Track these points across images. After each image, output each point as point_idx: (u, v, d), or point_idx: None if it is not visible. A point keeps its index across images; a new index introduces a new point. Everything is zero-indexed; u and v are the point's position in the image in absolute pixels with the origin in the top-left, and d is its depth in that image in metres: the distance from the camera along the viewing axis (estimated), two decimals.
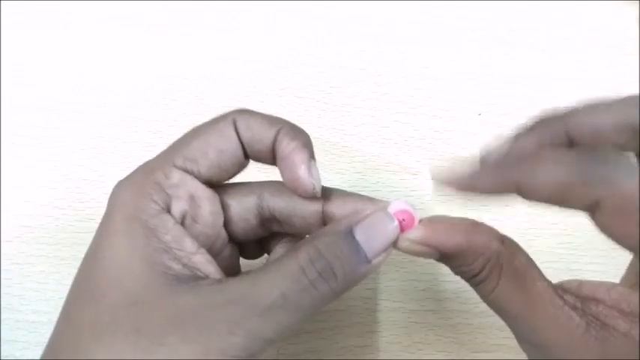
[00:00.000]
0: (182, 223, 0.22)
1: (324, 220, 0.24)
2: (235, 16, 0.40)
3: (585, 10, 0.40)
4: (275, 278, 0.20)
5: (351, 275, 0.21)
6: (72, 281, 0.22)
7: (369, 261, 0.21)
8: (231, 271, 0.25)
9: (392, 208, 0.22)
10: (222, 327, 0.19)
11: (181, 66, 0.38)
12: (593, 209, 0.19)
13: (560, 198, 0.19)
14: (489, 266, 0.21)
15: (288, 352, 0.32)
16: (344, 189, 0.25)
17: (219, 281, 0.21)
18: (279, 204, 0.24)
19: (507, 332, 0.32)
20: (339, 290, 0.21)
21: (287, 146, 0.22)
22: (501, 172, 0.20)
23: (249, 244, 0.27)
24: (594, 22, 0.40)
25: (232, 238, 0.25)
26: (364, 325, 0.33)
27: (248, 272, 0.21)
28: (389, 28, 0.39)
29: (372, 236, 0.21)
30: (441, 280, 0.33)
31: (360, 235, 0.21)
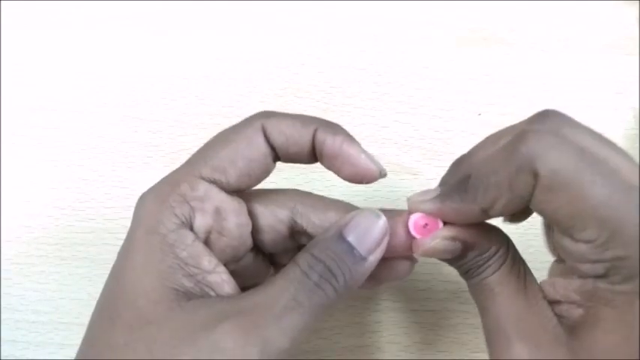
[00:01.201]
0: (207, 238, 0.22)
1: None
2: (235, 16, 0.40)
3: (585, 10, 0.40)
4: (283, 285, 0.20)
5: (351, 274, 0.21)
6: (100, 294, 0.22)
7: (364, 258, 0.21)
8: (258, 280, 0.25)
9: (413, 218, 0.23)
10: (237, 339, 0.18)
11: (181, 66, 0.38)
12: (533, 187, 0.19)
13: (515, 201, 0.20)
14: (502, 250, 0.22)
15: None
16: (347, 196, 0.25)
17: (229, 295, 0.21)
18: (312, 220, 0.24)
19: None
20: (343, 289, 0.21)
21: (334, 143, 0.22)
22: (463, 201, 0.21)
23: (281, 257, 0.27)
24: (594, 22, 0.40)
25: (261, 248, 0.25)
26: (364, 325, 0.33)
27: (255, 288, 0.21)
28: (389, 28, 0.39)
29: (362, 234, 0.22)
30: (441, 280, 0.33)
31: (349, 235, 0.22)
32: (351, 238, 0.21)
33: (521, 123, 0.22)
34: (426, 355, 0.32)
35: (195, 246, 0.21)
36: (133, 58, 0.38)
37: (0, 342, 0.32)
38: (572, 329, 0.20)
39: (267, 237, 0.24)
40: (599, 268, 0.19)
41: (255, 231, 0.24)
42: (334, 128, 0.23)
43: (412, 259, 0.25)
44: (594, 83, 0.38)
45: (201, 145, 0.23)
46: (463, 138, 0.36)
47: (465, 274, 0.23)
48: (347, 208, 0.24)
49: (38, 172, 0.36)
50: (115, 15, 0.39)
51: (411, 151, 0.36)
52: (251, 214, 0.24)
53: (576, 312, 0.20)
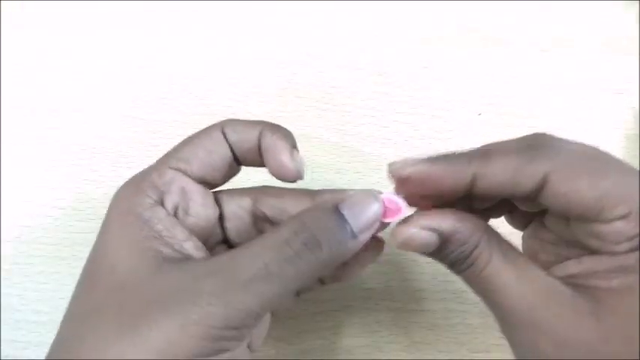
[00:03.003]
0: (175, 215, 0.23)
1: None
2: (235, 16, 0.40)
3: (585, 10, 0.40)
4: (257, 251, 0.20)
5: (337, 248, 0.21)
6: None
7: (355, 236, 0.21)
8: None
9: (382, 196, 0.23)
10: (202, 299, 0.19)
11: (181, 66, 0.38)
12: (541, 185, 0.20)
13: (512, 182, 0.20)
14: (483, 242, 0.21)
15: (288, 352, 0.32)
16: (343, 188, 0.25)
17: (205, 258, 0.22)
18: (271, 203, 0.25)
19: None
20: (325, 261, 0.21)
21: (270, 139, 0.24)
22: (456, 163, 0.21)
23: None
24: (594, 22, 0.40)
25: (230, 241, 0.26)
26: (364, 325, 0.33)
27: (233, 249, 0.21)
28: (389, 28, 0.39)
29: (358, 212, 0.22)
30: (441, 280, 0.33)
31: (346, 210, 0.22)
32: (346, 213, 0.21)
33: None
34: (426, 355, 0.32)
35: (169, 219, 0.22)
36: (133, 58, 0.38)
37: (0, 342, 0.32)
38: (598, 297, 0.20)
39: (232, 224, 0.26)
40: (636, 243, 0.19)
41: (221, 219, 0.25)
42: (277, 128, 0.24)
43: (380, 241, 0.25)
44: (594, 83, 0.38)
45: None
46: (463, 138, 0.36)
47: (452, 267, 0.22)
48: (305, 193, 0.25)
49: (38, 172, 0.36)
50: (115, 15, 0.39)
51: (411, 151, 0.36)
52: (217, 204, 0.25)
53: (603, 282, 0.20)
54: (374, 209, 0.22)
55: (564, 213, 0.21)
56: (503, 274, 0.21)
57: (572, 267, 0.21)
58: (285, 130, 0.25)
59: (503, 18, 0.40)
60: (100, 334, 0.19)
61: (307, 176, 0.35)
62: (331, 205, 0.22)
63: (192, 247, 0.22)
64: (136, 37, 0.39)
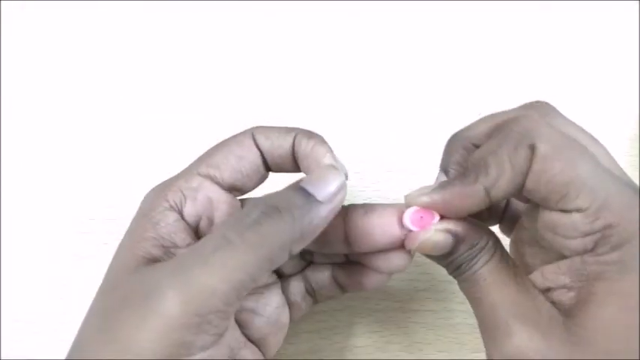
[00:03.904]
0: (197, 224, 0.23)
1: (346, 240, 0.24)
2: (235, 16, 0.40)
3: (585, 10, 0.40)
4: (217, 229, 0.21)
5: (299, 212, 0.20)
6: None
7: (319, 201, 0.21)
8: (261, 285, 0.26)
9: (409, 211, 0.23)
10: (166, 287, 0.18)
11: (182, 66, 0.38)
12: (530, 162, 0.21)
13: (515, 174, 0.21)
14: (491, 242, 0.22)
15: (288, 352, 0.32)
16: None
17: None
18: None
19: None
20: (288, 226, 0.20)
21: (307, 145, 0.24)
22: (466, 183, 0.22)
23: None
24: (594, 22, 0.40)
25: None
26: (364, 325, 0.33)
27: None
28: (389, 28, 0.39)
29: (317, 181, 0.22)
30: (441, 280, 0.33)
31: (306, 184, 0.21)
32: (305, 185, 0.21)
33: (513, 109, 0.24)
34: (426, 355, 0.32)
35: (176, 225, 0.22)
36: (133, 58, 0.38)
37: (0, 342, 0.32)
38: (567, 312, 0.20)
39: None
40: (589, 242, 0.19)
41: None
42: (312, 134, 0.25)
43: (408, 251, 0.25)
44: (594, 83, 0.38)
45: (201, 143, 0.25)
46: None
47: (457, 270, 0.23)
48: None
49: (38, 172, 0.36)
50: (115, 15, 0.39)
51: (411, 151, 0.36)
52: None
53: (568, 295, 0.20)
54: (335, 177, 0.22)
55: (533, 194, 0.21)
56: (504, 269, 0.22)
57: (551, 275, 0.21)
58: (319, 136, 0.25)
59: (503, 18, 0.40)
60: (83, 335, 0.20)
61: None
62: (294, 184, 0.22)
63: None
64: (136, 37, 0.39)
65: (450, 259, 0.23)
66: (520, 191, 0.21)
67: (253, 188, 0.25)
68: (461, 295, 0.33)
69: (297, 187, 0.21)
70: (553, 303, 0.21)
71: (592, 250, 0.19)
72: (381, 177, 0.36)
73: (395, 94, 0.38)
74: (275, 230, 0.20)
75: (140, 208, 0.23)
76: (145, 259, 0.21)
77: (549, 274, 0.21)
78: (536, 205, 0.22)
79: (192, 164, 0.24)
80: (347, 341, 0.33)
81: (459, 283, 0.23)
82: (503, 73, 0.38)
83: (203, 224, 0.24)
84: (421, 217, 0.23)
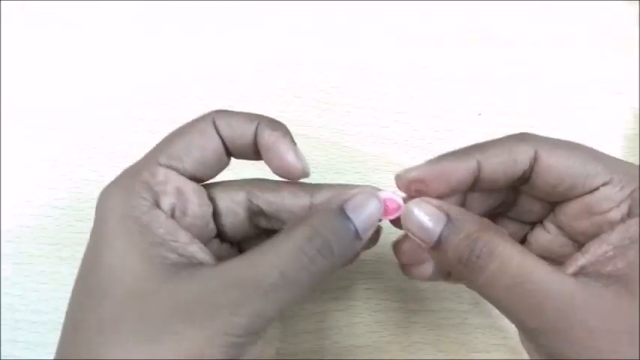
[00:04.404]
0: (172, 216, 0.23)
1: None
2: (235, 16, 0.40)
3: (585, 10, 0.40)
4: (273, 259, 0.20)
5: (346, 251, 0.22)
6: (72, 288, 0.22)
7: (360, 238, 0.22)
8: None
9: (380, 195, 0.23)
10: (225, 310, 0.19)
11: (181, 66, 0.38)
12: (533, 163, 0.22)
13: (510, 161, 0.22)
14: (490, 233, 0.22)
15: (288, 352, 0.32)
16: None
17: (216, 265, 0.21)
18: (267, 198, 0.25)
19: (507, 332, 0.32)
20: (336, 266, 0.21)
21: (269, 137, 0.24)
22: (458, 156, 0.23)
23: (246, 244, 0.27)
24: (594, 22, 0.40)
25: (224, 234, 0.26)
26: (364, 325, 0.33)
27: (243, 254, 0.21)
28: (389, 28, 0.39)
29: (362, 213, 0.22)
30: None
31: (350, 212, 0.22)
32: (352, 216, 0.22)
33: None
34: (426, 355, 0.32)
35: (169, 223, 0.22)
36: (134, 58, 0.38)
37: (0, 342, 0.32)
38: (619, 280, 0.20)
39: (227, 220, 0.25)
40: (624, 208, 0.21)
41: (215, 215, 0.25)
42: (275, 125, 0.24)
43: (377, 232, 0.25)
44: (594, 83, 0.38)
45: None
46: (463, 138, 0.36)
47: (461, 263, 0.22)
48: (302, 188, 0.25)
49: (38, 172, 0.36)
50: (115, 15, 0.39)
51: (411, 151, 0.36)
52: (210, 199, 0.25)
53: (619, 262, 0.20)
54: (376, 209, 0.23)
55: (555, 187, 0.22)
56: (531, 268, 0.20)
57: (580, 259, 0.21)
58: (283, 126, 0.24)
59: (503, 18, 0.40)
60: (122, 347, 0.19)
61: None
62: (337, 207, 0.22)
63: (197, 250, 0.22)
64: (136, 37, 0.39)
65: (447, 253, 0.22)
66: (509, 184, 0.23)
67: (214, 176, 0.25)
68: (461, 295, 0.33)
69: (345, 217, 0.22)
70: (592, 277, 0.20)
71: (630, 214, 0.21)
72: (381, 177, 0.36)
73: (395, 94, 0.38)
74: (326, 271, 0.21)
75: (111, 209, 0.22)
76: (166, 265, 0.21)
77: (582, 259, 0.21)
78: (556, 207, 0.24)
79: (150, 154, 0.24)
80: (347, 341, 0.32)
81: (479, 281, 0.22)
82: (504, 73, 0.38)
83: (178, 216, 0.23)
84: (387, 205, 0.23)
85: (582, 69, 0.38)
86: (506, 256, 0.20)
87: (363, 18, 0.40)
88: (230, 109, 0.38)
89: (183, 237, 0.22)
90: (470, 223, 0.22)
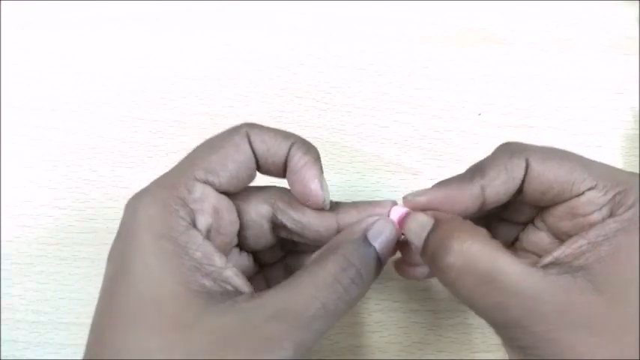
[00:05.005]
0: (207, 236, 0.22)
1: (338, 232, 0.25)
2: (235, 16, 0.40)
3: (585, 10, 0.40)
4: (312, 290, 0.21)
5: (372, 276, 0.23)
6: (98, 301, 0.22)
7: (380, 261, 0.24)
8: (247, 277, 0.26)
9: (394, 213, 0.25)
10: (273, 343, 0.19)
11: (181, 66, 0.38)
12: (526, 173, 0.23)
13: (508, 178, 0.23)
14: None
15: None
16: (348, 198, 0.27)
17: (252, 296, 0.21)
18: (293, 216, 0.25)
19: None
20: (365, 292, 0.23)
21: (300, 160, 0.24)
22: (462, 182, 0.24)
23: (262, 253, 0.28)
24: (594, 22, 0.40)
25: (244, 245, 0.26)
26: (364, 325, 0.33)
27: (280, 285, 0.21)
28: (389, 28, 0.39)
29: (384, 241, 0.24)
30: None
31: (373, 240, 0.23)
32: (376, 244, 0.23)
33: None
34: (426, 355, 0.32)
35: (206, 245, 0.22)
36: (133, 58, 0.38)
37: (0, 342, 0.32)
38: (591, 273, 0.20)
39: (251, 233, 0.25)
40: (606, 211, 0.22)
41: (240, 228, 0.25)
42: (308, 148, 0.24)
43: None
44: (594, 83, 0.38)
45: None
46: (463, 138, 0.36)
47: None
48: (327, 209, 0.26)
49: (38, 172, 0.36)
50: (115, 15, 0.39)
51: (411, 151, 0.36)
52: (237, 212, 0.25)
53: (591, 256, 0.21)
54: (393, 234, 0.24)
55: (544, 194, 0.23)
56: (500, 266, 0.21)
57: (555, 251, 0.22)
58: (315, 151, 0.24)
59: (503, 18, 0.40)
60: None
61: None
62: (361, 236, 0.23)
63: (232, 275, 0.22)
64: (136, 37, 0.39)
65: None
66: (511, 197, 0.24)
67: (242, 189, 0.25)
68: None
69: (369, 245, 0.23)
70: (567, 269, 0.21)
71: (610, 215, 0.22)
72: (381, 177, 0.36)
73: (395, 94, 0.38)
74: (357, 297, 0.22)
75: (144, 222, 0.21)
76: (202, 294, 0.20)
77: (559, 251, 0.22)
78: (544, 210, 0.25)
79: (185, 167, 0.23)
80: (347, 341, 0.32)
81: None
82: (504, 73, 0.38)
83: (212, 236, 0.23)
84: (403, 218, 0.25)
85: (582, 69, 0.38)
86: (474, 253, 0.21)
87: (363, 18, 0.40)
88: (230, 109, 0.38)
89: (218, 261, 0.22)
90: (447, 223, 0.23)
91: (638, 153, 0.36)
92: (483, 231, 0.23)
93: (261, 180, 0.26)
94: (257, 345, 0.19)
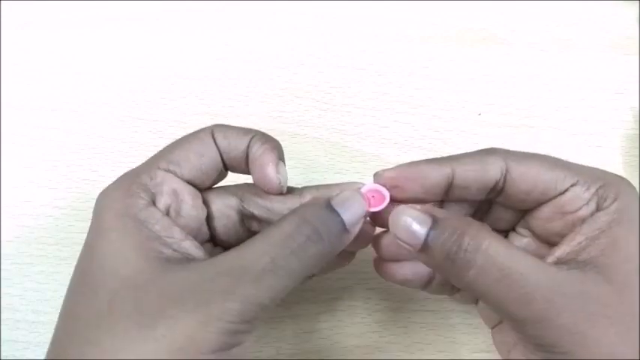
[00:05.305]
0: (167, 215, 0.23)
1: None
2: (235, 16, 0.40)
3: (585, 10, 0.40)
4: (263, 246, 0.21)
5: (335, 241, 0.23)
6: (69, 281, 0.23)
7: (348, 230, 0.23)
8: None
9: (365, 188, 0.25)
10: (218, 296, 0.20)
11: (181, 66, 0.38)
12: (504, 174, 0.24)
13: (482, 171, 0.24)
14: (474, 227, 0.23)
15: (288, 352, 0.32)
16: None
17: (207, 258, 0.23)
18: (258, 202, 0.26)
19: None
20: (326, 252, 0.22)
21: (258, 149, 0.25)
22: (434, 161, 0.24)
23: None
24: (594, 22, 0.40)
25: (216, 238, 0.26)
26: (364, 325, 0.33)
27: (235, 247, 0.22)
28: (389, 28, 0.39)
29: (347, 207, 0.23)
30: None
31: (337, 206, 0.23)
32: (340, 210, 0.23)
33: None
34: (426, 355, 0.32)
35: (165, 220, 0.23)
36: (133, 58, 0.39)
37: (0, 342, 0.32)
38: (596, 267, 0.21)
39: (220, 223, 0.26)
40: (592, 204, 0.23)
41: (209, 218, 0.26)
42: (266, 139, 0.25)
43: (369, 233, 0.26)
44: (594, 83, 0.38)
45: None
46: (463, 138, 0.36)
47: (449, 259, 0.22)
48: (291, 192, 0.26)
49: (38, 172, 0.36)
50: (115, 15, 0.39)
51: (411, 151, 0.36)
52: (204, 203, 0.26)
53: (593, 250, 0.22)
54: (360, 203, 0.24)
55: (529, 193, 0.24)
56: (517, 260, 0.21)
57: (556, 251, 0.23)
58: (274, 141, 0.25)
59: (503, 18, 0.40)
60: (118, 334, 0.20)
61: (307, 176, 0.35)
62: (324, 201, 0.23)
63: (190, 246, 0.23)
64: (136, 38, 0.39)
65: (436, 250, 0.23)
66: (486, 196, 0.24)
67: (211, 185, 0.26)
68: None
69: (333, 210, 0.23)
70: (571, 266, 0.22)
71: (597, 209, 0.22)
72: None
73: (395, 94, 0.38)
74: (316, 258, 0.22)
75: (109, 207, 0.23)
76: (162, 259, 0.21)
77: (558, 250, 0.22)
78: (527, 214, 0.25)
79: (151, 160, 0.25)
80: (347, 341, 0.32)
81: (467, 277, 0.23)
82: (504, 73, 0.38)
83: (172, 216, 0.24)
84: (373, 196, 0.25)
85: (582, 69, 0.38)
86: (493, 249, 0.21)
87: (363, 18, 0.40)
88: (230, 109, 0.38)
89: (177, 234, 0.23)
90: (454, 220, 0.23)
91: (638, 153, 0.36)
92: (488, 227, 0.23)
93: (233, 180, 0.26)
94: (204, 298, 0.20)
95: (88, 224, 0.35)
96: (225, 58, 0.38)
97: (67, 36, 0.39)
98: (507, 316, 0.22)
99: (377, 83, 0.38)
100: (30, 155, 0.36)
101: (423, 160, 0.25)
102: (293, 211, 0.23)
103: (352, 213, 0.23)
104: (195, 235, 0.24)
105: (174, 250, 0.22)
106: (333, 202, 0.23)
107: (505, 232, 0.27)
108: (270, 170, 0.24)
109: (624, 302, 0.20)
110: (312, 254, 0.21)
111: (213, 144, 0.25)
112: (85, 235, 0.33)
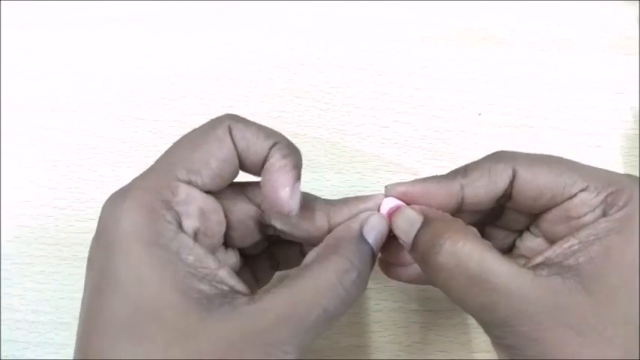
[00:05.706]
0: (195, 239, 0.22)
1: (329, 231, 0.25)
2: (235, 16, 0.40)
3: (585, 10, 0.40)
4: (314, 294, 0.21)
5: (369, 274, 0.23)
6: (83, 315, 0.21)
7: (374, 255, 0.24)
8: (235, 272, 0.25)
9: (384, 207, 0.25)
10: (277, 349, 0.20)
11: (181, 66, 0.38)
12: (512, 180, 0.23)
13: (490, 182, 0.24)
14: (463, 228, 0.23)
15: None
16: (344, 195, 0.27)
17: (252, 300, 0.21)
18: (280, 217, 0.24)
19: None
20: (363, 291, 0.23)
21: (277, 162, 0.22)
22: (443, 179, 0.24)
23: (248, 249, 0.27)
24: (594, 22, 0.40)
25: (230, 243, 0.25)
26: (364, 325, 0.33)
27: (280, 287, 0.21)
28: (389, 28, 0.39)
29: (376, 236, 0.24)
30: None
31: (369, 237, 0.23)
32: (370, 240, 0.23)
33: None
34: (426, 355, 0.32)
35: (197, 248, 0.21)
36: (133, 58, 0.38)
37: (0, 342, 0.32)
38: (581, 274, 0.21)
39: (238, 233, 0.25)
40: (599, 211, 0.22)
41: (227, 228, 0.24)
42: (290, 151, 0.23)
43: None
44: (594, 83, 0.38)
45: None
46: (463, 138, 0.36)
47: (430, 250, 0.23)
48: (308, 199, 0.25)
49: (38, 172, 0.36)
50: (115, 15, 0.39)
51: (411, 151, 0.36)
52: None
53: (582, 257, 0.21)
54: (385, 228, 0.24)
55: (536, 200, 0.23)
56: (490, 266, 0.21)
57: (547, 251, 0.22)
58: (295, 154, 0.23)
59: (503, 18, 0.40)
60: None
61: (307, 176, 0.35)
62: (358, 234, 0.23)
63: (225, 275, 0.21)
64: (136, 37, 0.39)
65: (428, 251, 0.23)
66: (495, 203, 0.24)
67: (225, 186, 0.24)
68: None
69: (366, 241, 0.23)
70: (557, 270, 0.21)
71: (603, 215, 0.22)
72: (381, 177, 0.36)
73: (395, 94, 0.38)
74: (356, 297, 0.22)
75: (132, 232, 0.20)
76: (201, 300, 0.20)
77: (549, 252, 0.22)
78: (538, 216, 0.25)
79: (166, 165, 0.22)
80: (347, 341, 0.32)
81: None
82: (504, 73, 0.38)
83: (200, 238, 0.22)
84: (391, 208, 0.25)
85: (582, 69, 0.38)
86: (466, 254, 0.21)
87: (363, 18, 0.40)
88: (230, 109, 0.38)
89: (212, 262, 0.21)
90: (439, 222, 0.23)
91: (638, 153, 0.36)
92: (474, 230, 0.23)
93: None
94: (261, 351, 0.19)
95: (88, 224, 0.35)
96: (225, 58, 0.38)
97: (67, 36, 0.39)
98: (475, 319, 0.22)
99: (377, 83, 0.38)
100: (30, 155, 0.36)
101: (432, 178, 0.25)
102: (335, 250, 0.22)
103: (379, 239, 0.24)
104: (213, 248, 0.23)
105: (210, 283, 0.21)
106: (365, 232, 0.23)
107: (519, 232, 0.27)
108: (284, 195, 0.22)
109: (601, 313, 0.20)
110: (355, 296, 0.22)
111: (232, 144, 0.22)
112: (84, 235, 0.33)
